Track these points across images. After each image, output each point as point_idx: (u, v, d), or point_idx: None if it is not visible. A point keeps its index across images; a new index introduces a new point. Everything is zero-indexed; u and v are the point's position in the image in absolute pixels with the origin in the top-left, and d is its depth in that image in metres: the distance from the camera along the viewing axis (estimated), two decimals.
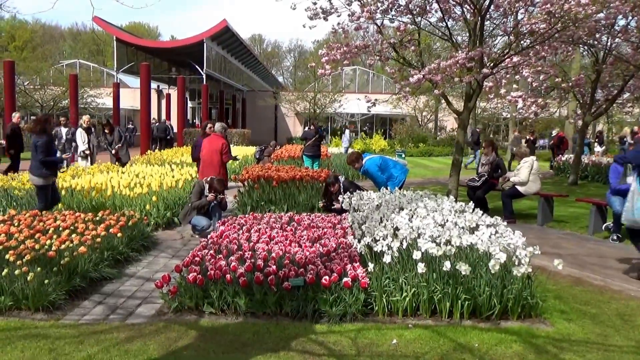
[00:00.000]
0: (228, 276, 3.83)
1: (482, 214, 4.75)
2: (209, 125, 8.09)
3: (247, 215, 6.01)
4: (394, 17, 7.69)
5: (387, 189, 6.13)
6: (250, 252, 4.25)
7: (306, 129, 20.54)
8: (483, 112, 27.63)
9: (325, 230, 5.09)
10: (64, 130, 12.64)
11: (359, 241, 4.18)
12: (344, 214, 5.93)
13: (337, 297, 3.72)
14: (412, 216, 4.58)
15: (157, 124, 22.64)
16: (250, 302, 3.78)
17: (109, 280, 4.68)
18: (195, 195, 6.53)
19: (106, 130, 11.24)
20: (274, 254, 4.23)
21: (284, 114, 34.38)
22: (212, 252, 4.37)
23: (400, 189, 6.42)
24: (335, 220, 5.61)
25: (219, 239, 4.85)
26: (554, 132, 19.95)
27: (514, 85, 8.27)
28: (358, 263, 4.06)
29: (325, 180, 7.45)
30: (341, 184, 7.15)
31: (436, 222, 4.28)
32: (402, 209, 5.04)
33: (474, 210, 4.95)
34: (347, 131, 20.31)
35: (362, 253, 4.14)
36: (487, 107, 26.67)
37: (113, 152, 11.12)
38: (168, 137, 21.83)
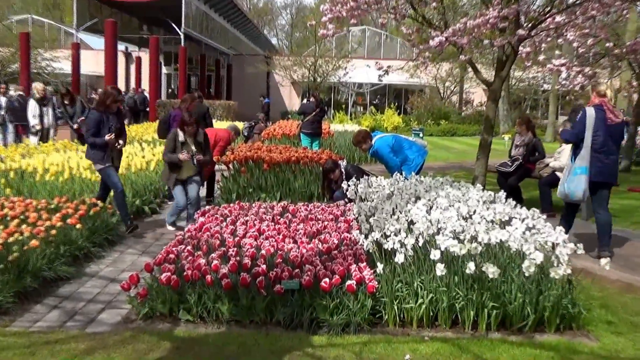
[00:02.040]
0: (209, 277, 3.85)
1: (515, 206, 4.74)
2: (197, 95, 8.05)
3: (232, 205, 6.02)
4: None
5: (401, 174, 6.12)
6: (235, 249, 4.26)
7: (304, 101, 20.39)
8: (518, 83, 27.54)
9: (325, 223, 5.10)
10: (2, 99, 12.45)
11: (366, 237, 4.19)
12: (348, 205, 5.95)
13: (339, 304, 3.73)
14: (431, 207, 4.58)
15: (135, 95, 22.62)
16: (234, 308, 3.80)
17: (66, 281, 4.69)
18: (168, 147, 6.51)
19: (66, 101, 11.16)
20: (263, 251, 4.24)
21: (277, 83, 34.24)
22: (189, 248, 4.38)
23: (417, 174, 6.40)
24: (337, 211, 5.62)
25: (198, 233, 4.85)
26: None
27: (556, 51, 8.20)
28: (365, 263, 4.07)
29: (323, 165, 7.46)
30: (343, 170, 7.19)
31: (460, 215, 4.28)
32: (418, 198, 5.03)
33: (505, 200, 4.94)
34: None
35: (370, 251, 4.15)
36: (523, 77, 26.56)
37: (75, 127, 11.05)
38: (147, 110, 21.95)
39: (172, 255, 4.25)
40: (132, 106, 21.65)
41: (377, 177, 6.04)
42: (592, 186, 5.41)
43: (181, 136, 6.49)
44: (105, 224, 5.95)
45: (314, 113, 11.85)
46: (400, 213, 4.40)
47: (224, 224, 5.16)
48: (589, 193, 5.43)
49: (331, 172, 7.14)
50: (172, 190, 6.58)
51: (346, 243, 4.53)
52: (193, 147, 6.51)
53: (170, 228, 6.60)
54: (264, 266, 3.92)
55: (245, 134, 14.84)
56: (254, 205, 6.03)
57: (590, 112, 5.38)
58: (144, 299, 3.92)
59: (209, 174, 7.93)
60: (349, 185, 5.66)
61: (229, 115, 23.76)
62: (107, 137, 6.04)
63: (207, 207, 5.99)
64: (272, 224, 5.11)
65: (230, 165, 8.39)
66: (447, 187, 5.42)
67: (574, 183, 5.43)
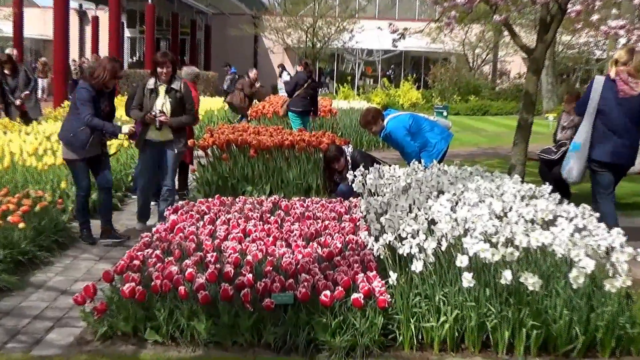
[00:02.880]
0: (182, 288, 3.84)
1: (561, 201, 4.73)
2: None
3: (210, 200, 6.00)
4: None
5: (420, 162, 6.10)
6: (214, 254, 4.25)
7: (285, 75, 20.15)
8: (566, 50, 27.47)
9: (326, 223, 5.08)
10: None
11: (377, 240, 4.17)
12: (355, 200, 5.95)
13: (343, 322, 3.73)
14: (457, 203, 4.56)
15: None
16: (214, 327, 3.80)
17: (7, 292, 4.68)
18: (134, 99, 6.42)
19: (6, 71, 11.09)
20: (249, 257, 4.24)
21: (268, 49, 34.18)
22: (158, 252, 4.37)
23: (439, 162, 6.39)
24: (341, 208, 5.61)
25: (169, 234, 4.84)
26: None
27: (613, 10, 8.14)
28: (374, 272, 4.06)
29: (325, 153, 7.44)
30: (348, 157, 7.17)
31: (492, 213, 4.26)
32: (441, 192, 5.01)
33: (549, 195, 4.92)
34: (284, 73, 20.15)
35: (381, 257, 4.13)
36: (571, 42, 26.48)
37: (17, 102, 11.01)
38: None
39: (136, 262, 4.23)
40: None
41: (390, 165, 6.02)
42: (593, 167, 5.77)
43: (151, 83, 6.27)
44: (55, 222, 5.94)
45: (306, 84, 11.66)
46: (419, 210, 4.38)
47: (201, 223, 5.13)
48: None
49: (334, 160, 7.12)
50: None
51: (352, 247, 4.51)
52: (165, 101, 6.23)
53: (137, 227, 6.56)
54: (250, 275, 3.91)
55: (225, 87, 14.70)
56: (237, 200, 6.00)
57: (599, 81, 5.67)
58: (102, 315, 3.90)
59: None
60: (355, 176, 5.64)
61: (207, 90, 23.73)
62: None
63: (180, 202, 5.96)
64: (261, 223, 5.09)
65: (209, 151, 8.38)
66: (477, 178, 5.39)
67: (568, 160, 5.89)
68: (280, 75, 24.70)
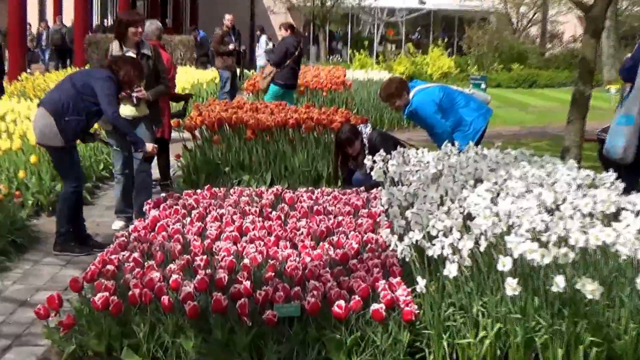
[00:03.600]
0: (165, 299, 3.82)
1: (627, 191, 4.63)
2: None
3: (199, 191, 6.00)
4: None
5: (452, 144, 6.07)
6: (204, 257, 4.24)
7: (263, 40, 20.06)
8: (631, 7, 27.29)
9: (340, 219, 5.06)
10: None
11: (401, 239, 4.14)
12: (374, 191, 5.92)
13: (361, 338, 3.71)
14: (498, 194, 4.50)
15: (63, 27, 22.64)
16: (204, 345, 3.79)
17: None
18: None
19: None
20: (247, 261, 4.21)
21: (267, 9, 34.14)
22: (136, 255, 4.35)
23: (476, 144, 6.34)
24: (358, 201, 5.58)
25: (149, 233, 4.83)
26: None
27: None
28: (398, 278, 4.06)
29: (337, 134, 7.42)
30: (366, 139, 7.12)
31: (542, 205, 4.21)
32: (480, 181, 4.96)
33: (611, 184, 4.87)
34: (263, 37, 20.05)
35: (407, 260, 4.10)
36: None
37: None
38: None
39: (110, 267, 4.20)
40: (59, 44, 21.67)
41: (417, 149, 5.99)
42: None
43: (116, 48, 6.34)
44: (11, 220, 5.96)
45: (296, 52, 11.59)
46: (452, 203, 4.34)
47: (188, 219, 5.12)
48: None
49: (349, 142, 7.07)
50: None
51: (370, 248, 4.49)
52: None
53: (116, 225, 6.54)
54: (247, 283, 3.89)
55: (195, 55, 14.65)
56: (232, 191, 5.99)
57: None
58: (69, 331, 3.90)
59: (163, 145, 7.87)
60: (374, 162, 5.61)
61: (192, 58, 23.66)
62: (150, 147, 6.09)
63: (162, 194, 5.96)
64: (260, 220, 5.08)
65: (197, 132, 8.37)
66: (523, 163, 5.35)
67: (613, 135, 5.99)
68: (257, 41, 24.66)
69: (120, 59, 6.05)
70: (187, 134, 8.56)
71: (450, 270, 3.79)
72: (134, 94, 6.19)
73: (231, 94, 14.39)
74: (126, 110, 6.33)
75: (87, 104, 5.74)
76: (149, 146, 6.02)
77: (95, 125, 6.45)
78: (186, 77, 16.09)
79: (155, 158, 6.93)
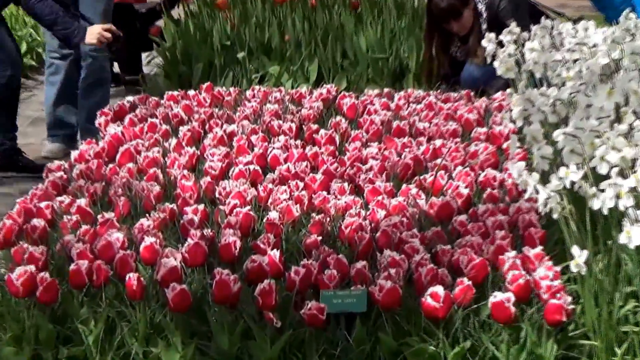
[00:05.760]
0: (133, 278, 2.83)
1: None
2: None
3: (193, 93, 4.94)
4: None
5: (634, 12, 5.02)
6: (200, 207, 3.24)
7: None
8: None
9: (439, 143, 4.07)
10: None
11: (546, 180, 3.20)
12: (498, 94, 4.86)
13: (472, 352, 2.80)
14: None
15: None
16: (199, 357, 2.90)
17: None
18: None
19: None
20: (274, 215, 3.20)
21: None
22: (82, 203, 3.35)
23: None
24: (469, 113, 4.56)
25: (106, 164, 3.85)
26: None
27: None
28: (540, 248, 3.06)
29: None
30: (483, 5, 5.73)
31: None
32: None
33: None
34: None
35: (555, 216, 3.13)
36: None
37: None
38: None
39: (39, 222, 3.18)
40: None
41: (574, 21, 4.92)
42: None
43: None
44: None
45: None
46: (638, 118, 3.37)
47: (172, 141, 4.04)
48: None
49: (453, 13, 5.68)
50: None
51: (490, 195, 3.46)
52: None
53: (48, 150, 5.45)
54: (274, 253, 2.84)
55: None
56: (250, 94, 4.94)
57: None
58: None
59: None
60: (499, 45, 4.49)
61: None
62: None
63: (129, 98, 4.91)
64: (298, 144, 4.02)
65: None
66: None
67: None
68: None
69: None
70: None
71: (634, 235, 2.83)
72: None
73: None
74: None
75: None
76: (93, 31, 4.95)
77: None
78: None
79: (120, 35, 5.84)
